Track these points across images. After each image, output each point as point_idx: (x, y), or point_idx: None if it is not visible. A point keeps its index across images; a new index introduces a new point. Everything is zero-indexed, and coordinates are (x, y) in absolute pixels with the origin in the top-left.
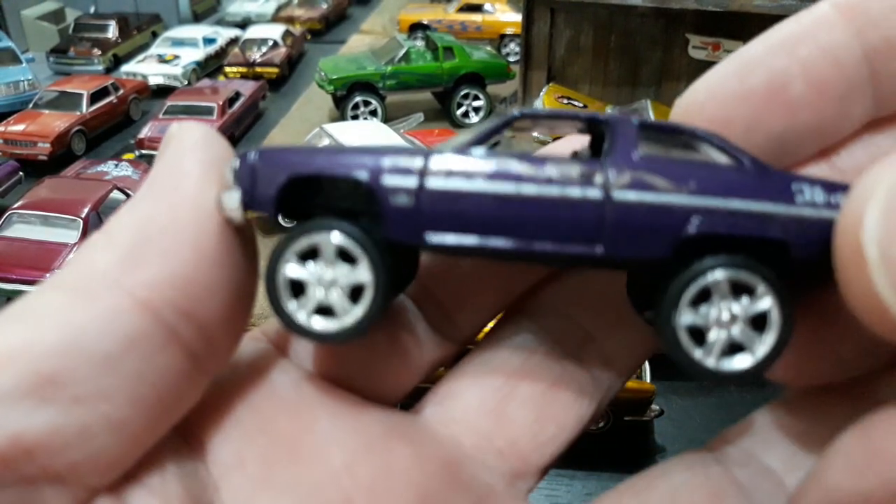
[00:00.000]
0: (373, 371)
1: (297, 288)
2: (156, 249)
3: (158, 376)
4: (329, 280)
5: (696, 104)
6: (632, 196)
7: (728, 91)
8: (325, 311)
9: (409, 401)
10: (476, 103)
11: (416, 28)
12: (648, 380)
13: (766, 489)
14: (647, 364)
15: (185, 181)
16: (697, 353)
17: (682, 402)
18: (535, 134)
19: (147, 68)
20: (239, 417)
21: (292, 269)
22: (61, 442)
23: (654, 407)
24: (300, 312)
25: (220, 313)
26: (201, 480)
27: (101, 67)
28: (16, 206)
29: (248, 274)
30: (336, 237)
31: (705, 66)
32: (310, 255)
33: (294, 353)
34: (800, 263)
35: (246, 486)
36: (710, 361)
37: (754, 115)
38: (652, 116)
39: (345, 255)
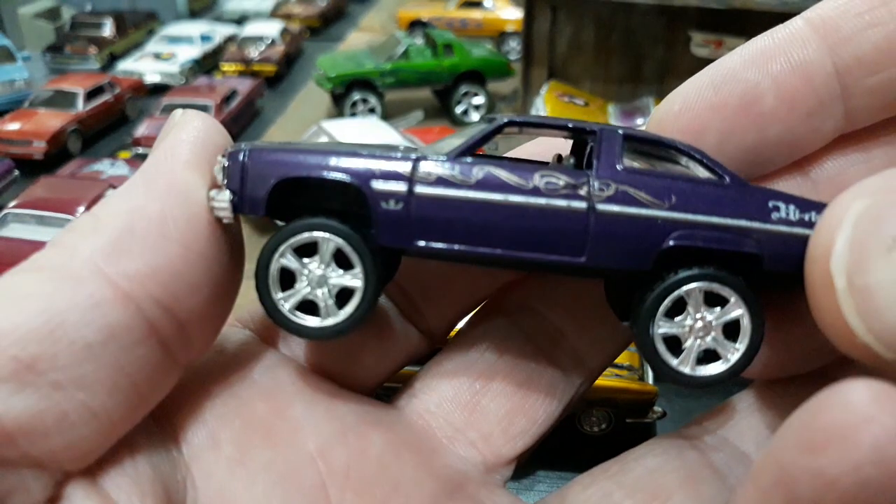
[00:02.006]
0: (349, 358)
1: (286, 281)
2: (142, 241)
3: (135, 368)
4: (319, 278)
5: (670, 114)
6: (615, 208)
7: (703, 102)
8: (308, 307)
9: (383, 399)
10: (476, 101)
11: (415, 25)
12: (651, 381)
13: (741, 473)
14: (649, 365)
15: (179, 174)
16: (674, 361)
17: (685, 404)
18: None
19: (144, 66)
20: (213, 401)
21: (286, 260)
22: (41, 428)
23: (657, 409)
24: (284, 304)
25: (200, 311)
26: (172, 461)
27: (97, 65)
28: (11, 205)
29: (232, 274)
30: (337, 239)
31: (708, 63)
32: (306, 250)
33: (271, 338)
34: (772, 275)
35: (220, 467)
36: (686, 369)
37: (727, 127)
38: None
39: (339, 258)
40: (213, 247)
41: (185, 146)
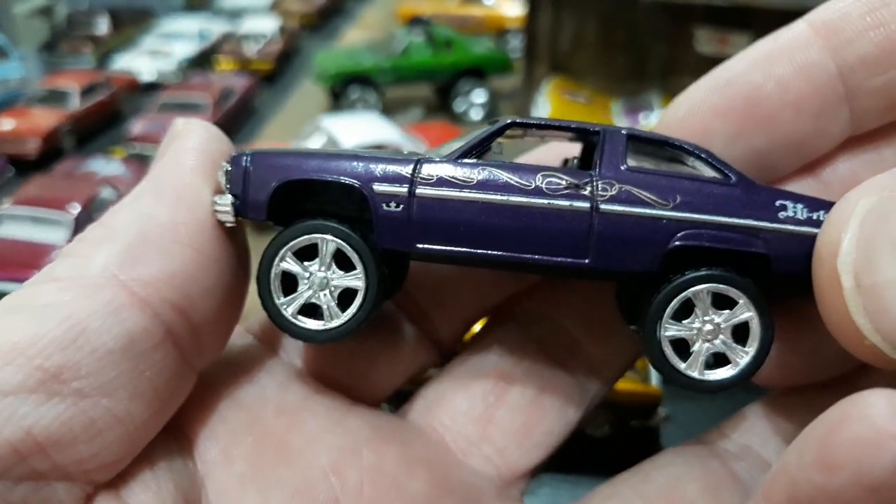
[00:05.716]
0: (360, 369)
1: (288, 285)
2: (155, 248)
3: (155, 372)
4: (321, 280)
5: (676, 119)
6: (618, 208)
7: (708, 106)
8: (312, 310)
9: (395, 404)
10: (477, 98)
11: (415, 21)
12: (655, 383)
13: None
14: (656, 370)
15: (187, 180)
16: (682, 365)
17: (690, 407)
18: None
19: (139, 63)
20: (225, 415)
21: (287, 264)
22: (69, 437)
23: (661, 411)
24: (287, 308)
25: (213, 315)
26: (190, 476)
27: (92, 63)
28: (5, 204)
29: (241, 276)
30: (336, 240)
31: (712, 60)
32: (306, 253)
33: (283, 350)
34: (780, 276)
35: (233, 483)
36: (695, 373)
37: (734, 130)
38: (659, 110)
39: (340, 259)
40: (223, 250)
41: (190, 154)
